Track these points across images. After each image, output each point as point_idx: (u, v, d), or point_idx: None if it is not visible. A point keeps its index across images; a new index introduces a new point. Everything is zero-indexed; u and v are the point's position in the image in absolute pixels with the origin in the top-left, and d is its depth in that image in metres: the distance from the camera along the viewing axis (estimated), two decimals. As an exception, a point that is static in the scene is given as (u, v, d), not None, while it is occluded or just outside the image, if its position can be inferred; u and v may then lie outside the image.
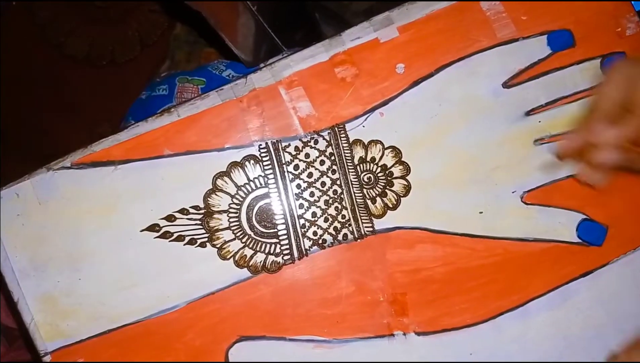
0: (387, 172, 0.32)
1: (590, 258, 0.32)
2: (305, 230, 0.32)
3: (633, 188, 0.32)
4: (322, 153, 0.32)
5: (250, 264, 0.32)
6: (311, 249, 0.32)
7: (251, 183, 0.32)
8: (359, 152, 0.32)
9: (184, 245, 0.31)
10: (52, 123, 0.70)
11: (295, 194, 0.32)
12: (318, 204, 0.32)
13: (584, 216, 0.32)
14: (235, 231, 0.32)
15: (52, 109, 0.72)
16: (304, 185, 0.32)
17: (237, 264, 0.31)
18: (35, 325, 0.31)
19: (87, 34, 0.76)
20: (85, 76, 0.74)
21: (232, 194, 0.32)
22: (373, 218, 0.32)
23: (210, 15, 0.43)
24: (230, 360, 0.31)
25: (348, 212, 0.32)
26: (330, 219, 0.32)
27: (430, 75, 0.32)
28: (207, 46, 0.75)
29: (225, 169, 0.32)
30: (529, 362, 0.31)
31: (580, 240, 0.32)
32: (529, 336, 0.31)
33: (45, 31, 0.75)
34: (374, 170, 0.32)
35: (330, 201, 0.32)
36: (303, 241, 0.32)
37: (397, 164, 0.32)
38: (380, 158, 0.32)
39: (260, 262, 0.32)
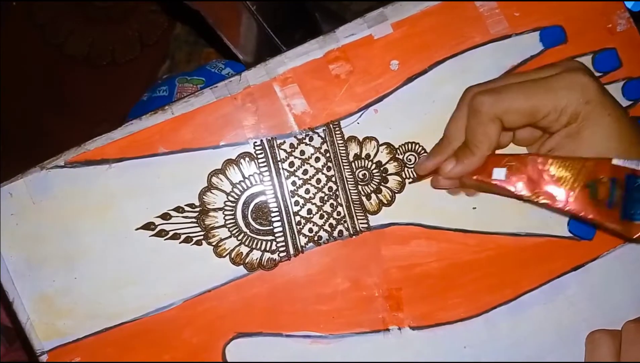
0: (381, 168, 0.31)
1: (581, 252, 0.31)
2: (301, 226, 0.30)
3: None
4: (317, 150, 0.31)
5: (246, 261, 0.30)
6: (307, 246, 0.30)
7: (246, 180, 0.30)
8: (353, 149, 0.31)
9: (180, 243, 0.30)
10: (52, 123, 0.68)
11: (291, 191, 0.30)
12: (313, 201, 0.30)
13: (575, 211, 0.31)
14: (231, 229, 0.30)
15: (51, 109, 0.69)
16: (299, 182, 0.30)
17: (233, 261, 0.30)
18: (31, 324, 0.29)
19: (87, 34, 0.73)
20: (85, 76, 0.71)
21: (228, 191, 0.30)
22: (368, 215, 0.31)
23: (209, 15, 0.41)
24: (227, 357, 0.30)
25: (343, 209, 0.31)
26: (326, 216, 0.31)
27: (424, 72, 0.31)
28: (207, 46, 0.73)
29: (220, 167, 0.30)
30: (521, 362, 0.30)
31: (571, 234, 0.31)
32: (521, 329, 0.30)
33: (45, 31, 0.73)
34: (368, 167, 0.31)
35: (326, 198, 0.31)
36: (299, 238, 0.30)
37: (392, 161, 0.31)
38: (375, 154, 0.31)
39: (256, 259, 0.30)
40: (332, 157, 0.31)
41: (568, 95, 0.25)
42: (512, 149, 0.30)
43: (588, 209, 0.25)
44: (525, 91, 0.25)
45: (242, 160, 0.30)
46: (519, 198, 0.27)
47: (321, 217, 0.30)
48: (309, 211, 0.30)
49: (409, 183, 0.31)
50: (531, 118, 0.26)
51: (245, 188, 0.30)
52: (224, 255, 0.30)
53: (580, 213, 0.26)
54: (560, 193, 0.26)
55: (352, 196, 0.31)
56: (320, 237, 0.30)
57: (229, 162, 0.30)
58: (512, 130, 0.28)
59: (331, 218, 0.31)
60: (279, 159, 0.30)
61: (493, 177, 0.27)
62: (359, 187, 0.31)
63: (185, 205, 0.30)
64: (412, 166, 0.31)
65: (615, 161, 0.25)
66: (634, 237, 0.25)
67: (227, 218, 0.30)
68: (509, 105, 0.25)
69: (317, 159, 0.31)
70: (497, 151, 0.29)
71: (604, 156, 0.25)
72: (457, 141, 0.28)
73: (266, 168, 0.30)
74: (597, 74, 0.31)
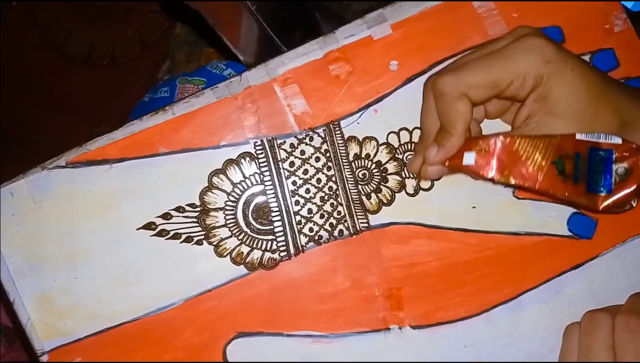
0: (381, 168, 0.31)
1: (581, 250, 0.31)
2: (302, 226, 0.30)
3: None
4: (317, 149, 0.31)
5: (247, 261, 0.30)
6: (307, 245, 0.30)
7: (247, 180, 0.30)
8: (353, 148, 0.31)
9: (181, 242, 0.30)
10: (52, 123, 0.68)
11: (291, 191, 0.30)
12: (314, 200, 0.31)
13: (575, 210, 0.31)
14: (231, 229, 0.30)
15: (52, 109, 0.70)
16: (299, 182, 0.31)
17: (234, 261, 0.30)
18: (32, 324, 0.29)
19: (87, 34, 0.73)
20: (85, 76, 0.72)
21: (228, 191, 0.30)
22: (368, 214, 0.31)
23: (209, 15, 0.41)
24: (228, 357, 0.30)
25: (343, 208, 0.31)
26: (326, 215, 0.31)
27: (424, 72, 0.31)
28: (207, 46, 0.74)
29: (220, 167, 0.30)
30: (521, 362, 0.30)
31: (571, 233, 0.31)
32: (522, 328, 0.30)
33: (45, 31, 0.73)
34: (368, 166, 0.31)
35: (326, 198, 0.31)
36: (299, 237, 0.30)
37: (391, 161, 0.31)
38: (375, 154, 0.31)
39: (257, 259, 0.30)
40: (332, 157, 0.31)
41: (527, 59, 0.25)
42: (498, 124, 0.30)
43: (556, 186, 0.26)
44: (484, 64, 0.25)
45: (242, 160, 0.30)
46: (491, 181, 0.27)
47: (321, 217, 0.31)
48: (310, 211, 0.31)
49: (415, 190, 0.31)
50: (496, 89, 0.25)
51: (246, 187, 0.30)
52: (225, 254, 0.30)
53: (550, 190, 0.26)
54: (529, 173, 0.26)
55: (353, 196, 0.31)
56: (320, 236, 0.30)
57: (229, 162, 0.30)
58: (481, 104, 0.28)
59: (331, 218, 0.31)
60: (279, 159, 0.30)
61: (464, 163, 0.27)
62: (359, 187, 0.31)
63: (186, 205, 0.30)
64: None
65: (578, 136, 0.25)
66: (600, 209, 0.25)
67: (227, 217, 0.30)
68: (470, 81, 0.25)
69: (318, 159, 0.31)
70: (482, 125, 0.30)
71: (578, 110, 0.26)
72: (435, 132, 0.28)
73: (267, 168, 0.30)
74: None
